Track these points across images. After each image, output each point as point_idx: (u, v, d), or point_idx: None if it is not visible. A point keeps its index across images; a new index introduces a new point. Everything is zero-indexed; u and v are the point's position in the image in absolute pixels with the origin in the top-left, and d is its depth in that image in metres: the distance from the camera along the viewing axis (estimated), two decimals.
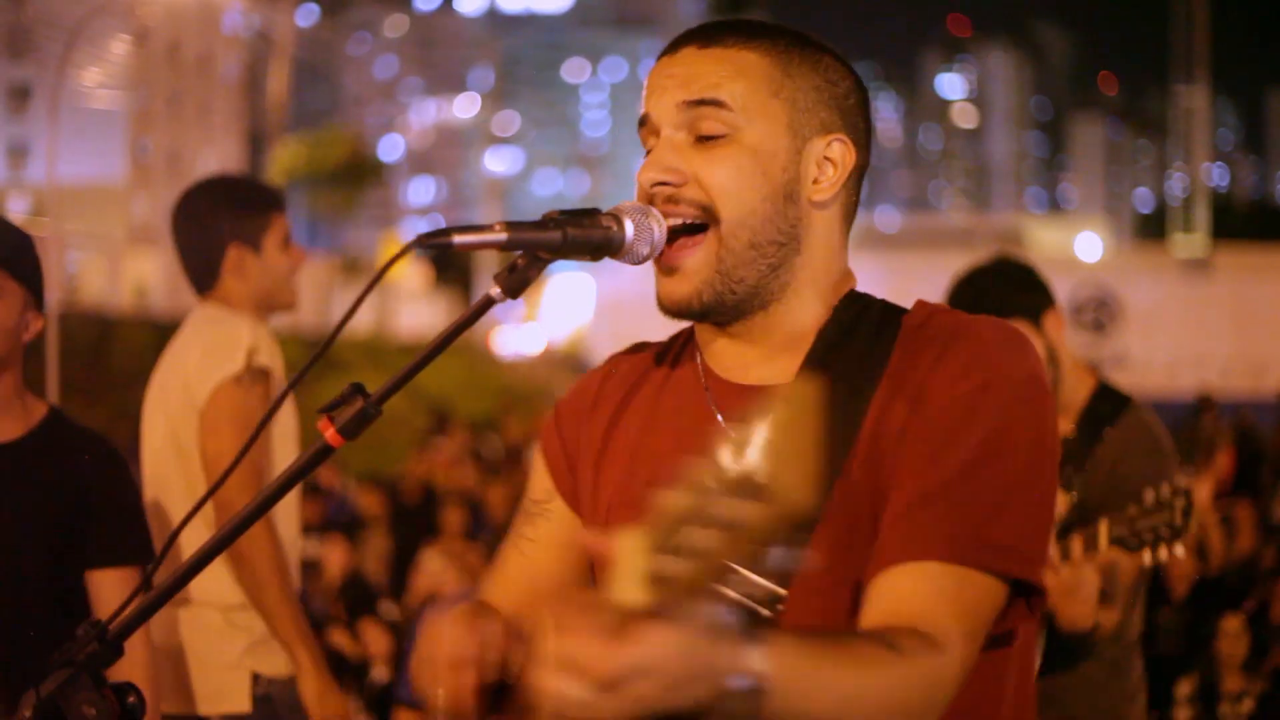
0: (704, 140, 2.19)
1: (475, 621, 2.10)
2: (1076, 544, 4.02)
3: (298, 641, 4.60)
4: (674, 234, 2.19)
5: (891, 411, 2.11)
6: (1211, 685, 8.18)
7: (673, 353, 2.38)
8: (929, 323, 2.18)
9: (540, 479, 2.43)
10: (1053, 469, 2.12)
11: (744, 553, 1.47)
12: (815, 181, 2.22)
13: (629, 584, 1.48)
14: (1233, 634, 8.18)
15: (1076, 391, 4.39)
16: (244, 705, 4.58)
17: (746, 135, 2.18)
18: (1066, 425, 4.37)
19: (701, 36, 2.23)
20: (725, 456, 1.41)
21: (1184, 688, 8.31)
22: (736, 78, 2.19)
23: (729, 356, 2.27)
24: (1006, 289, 4.35)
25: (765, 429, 1.39)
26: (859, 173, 2.27)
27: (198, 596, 4.53)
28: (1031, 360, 2.14)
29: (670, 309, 2.22)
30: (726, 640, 1.66)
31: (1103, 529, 3.96)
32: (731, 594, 1.51)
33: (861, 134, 2.26)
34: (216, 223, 4.68)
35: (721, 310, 2.20)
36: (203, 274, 4.74)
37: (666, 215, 2.18)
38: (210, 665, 4.57)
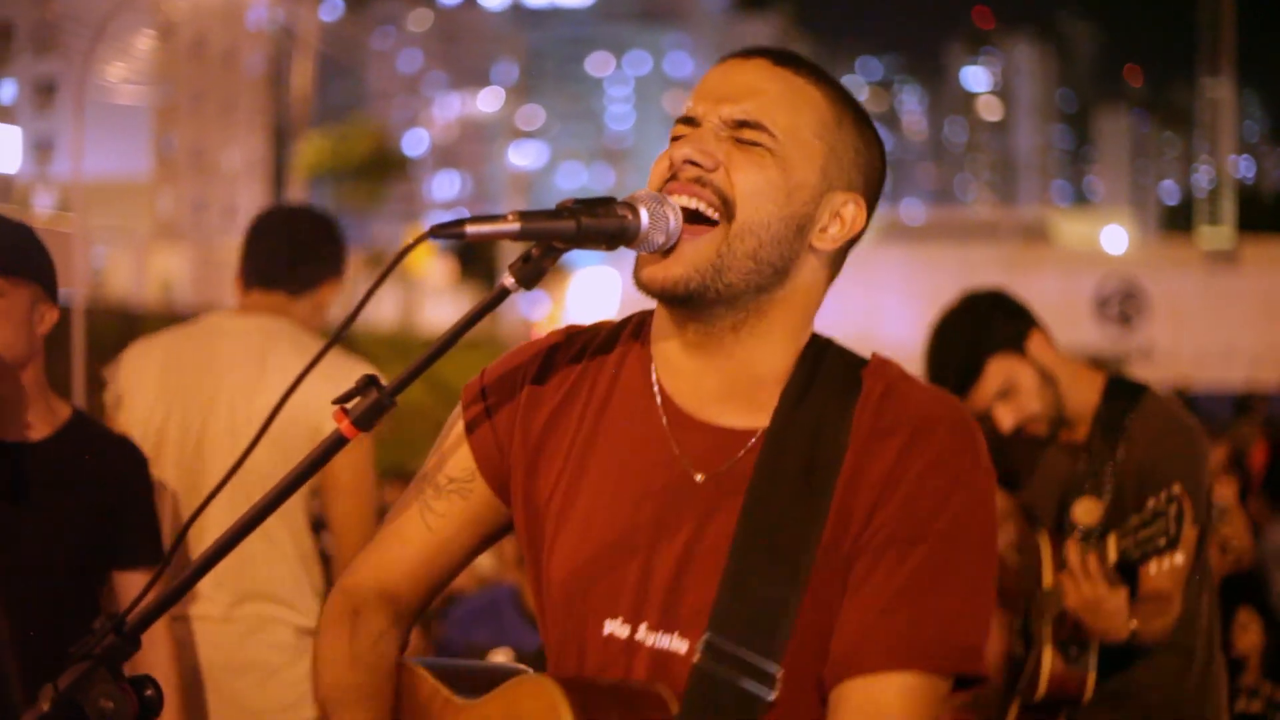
0: (743, 142, 2.20)
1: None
2: (1093, 559, 3.99)
3: None
4: (686, 216, 2.19)
5: (857, 491, 2.16)
6: (1230, 678, 8.16)
7: (619, 348, 2.35)
8: (891, 392, 2.21)
9: (462, 458, 2.38)
10: (995, 559, 2.22)
11: None
12: (823, 230, 2.24)
13: None
14: (1242, 624, 8.15)
15: (1086, 396, 4.35)
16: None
17: (783, 157, 2.20)
18: (1081, 431, 4.34)
19: (777, 55, 2.26)
20: None
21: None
22: (793, 107, 2.21)
23: (683, 376, 2.26)
24: (984, 327, 4.33)
25: None
26: (856, 241, 2.29)
27: (273, 614, 4.53)
28: (984, 453, 2.21)
29: (653, 288, 2.20)
30: None
31: (1111, 543, 3.95)
32: None
33: (873, 207, 2.30)
34: (335, 252, 4.83)
35: (700, 303, 2.19)
36: (297, 281, 4.77)
37: (685, 194, 2.18)
38: (281, 682, 4.57)
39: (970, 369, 4.27)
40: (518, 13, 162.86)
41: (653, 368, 2.30)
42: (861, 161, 2.27)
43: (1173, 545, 3.82)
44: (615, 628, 2.22)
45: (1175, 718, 4.33)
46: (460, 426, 2.40)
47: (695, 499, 2.21)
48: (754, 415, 2.24)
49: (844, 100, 2.27)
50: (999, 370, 4.28)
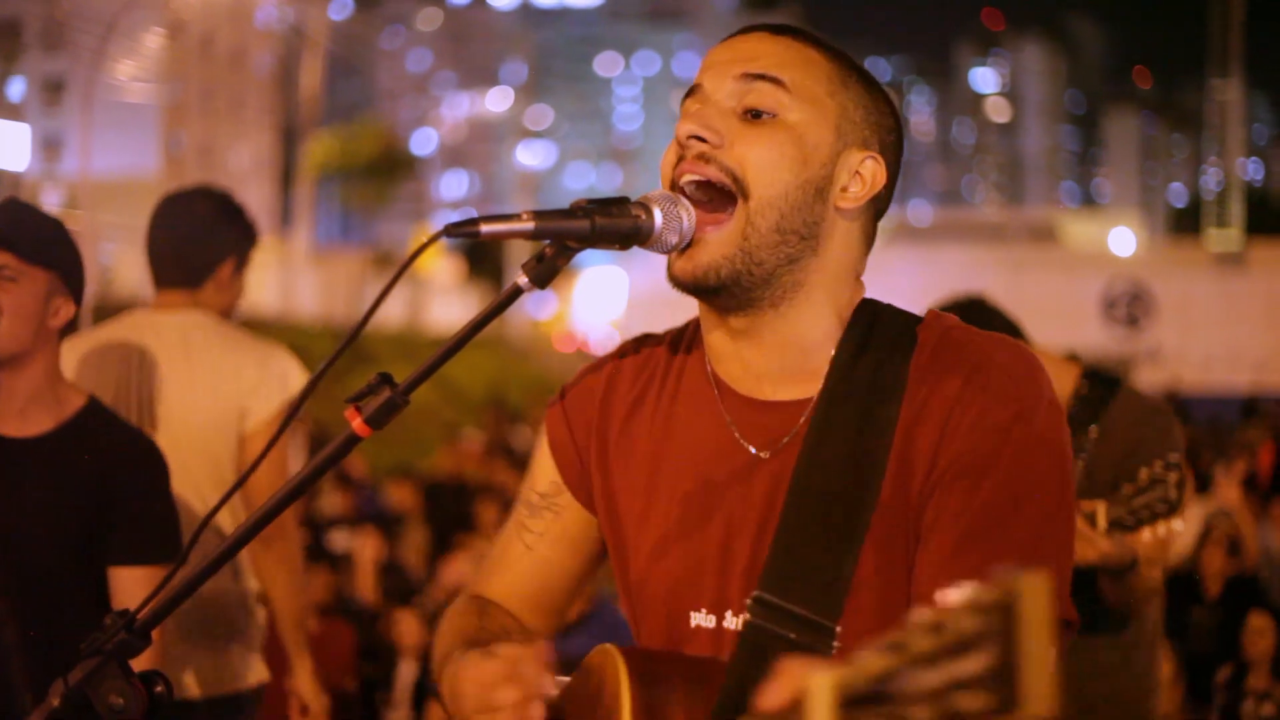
0: (751, 116, 2.18)
1: (520, 659, 2.07)
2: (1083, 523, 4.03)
3: (302, 635, 4.74)
4: (696, 193, 2.18)
5: (918, 436, 2.12)
6: (1240, 680, 8.16)
7: (681, 353, 2.36)
8: (945, 341, 2.18)
9: (546, 471, 2.42)
10: (1074, 491, 2.15)
11: None
12: (844, 189, 2.22)
13: None
14: (1258, 630, 8.15)
15: (1061, 388, 4.41)
16: (265, 674, 4.73)
17: (794, 118, 2.18)
18: None
19: (775, 27, 2.26)
20: (926, 624, 1.32)
21: (1222, 674, 8.31)
22: (801, 66, 2.21)
23: (737, 364, 2.26)
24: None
25: (990, 613, 1.29)
26: (881, 203, 2.28)
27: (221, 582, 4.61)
28: (1048, 384, 2.16)
29: (685, 281, 2.19)
30: None
31: (1101, 512, 3.97)
32: None
33: (893, 165, 2.27)
34: (221, 232, 4.89)
35: (736, 290, 2.18)
36: (190, 272, 4.87)
37: (694, 172, 2.17)
38: (237, 643, 4.69)
39: None
40: (527, 12, 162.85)
41: (708, 361, 2.30)
42: (873, 120, 2.25)
43: (1173, 510, 3.85)
44: (701, 619, 2.22)
45: (1118, 711, 4.37)
46: (543, 442, 2.44)
47: (762, 477, 2.20)
48: (808, 384, 2.23)
49: (847, 62, 2.26)
50: None
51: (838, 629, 2.09)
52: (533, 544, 2.43)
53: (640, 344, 2.42)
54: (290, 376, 4.80)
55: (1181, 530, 3.98)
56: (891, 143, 2.28)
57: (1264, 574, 10.70)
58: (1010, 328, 4.42)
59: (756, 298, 2.20)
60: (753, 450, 2.22)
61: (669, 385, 2.34)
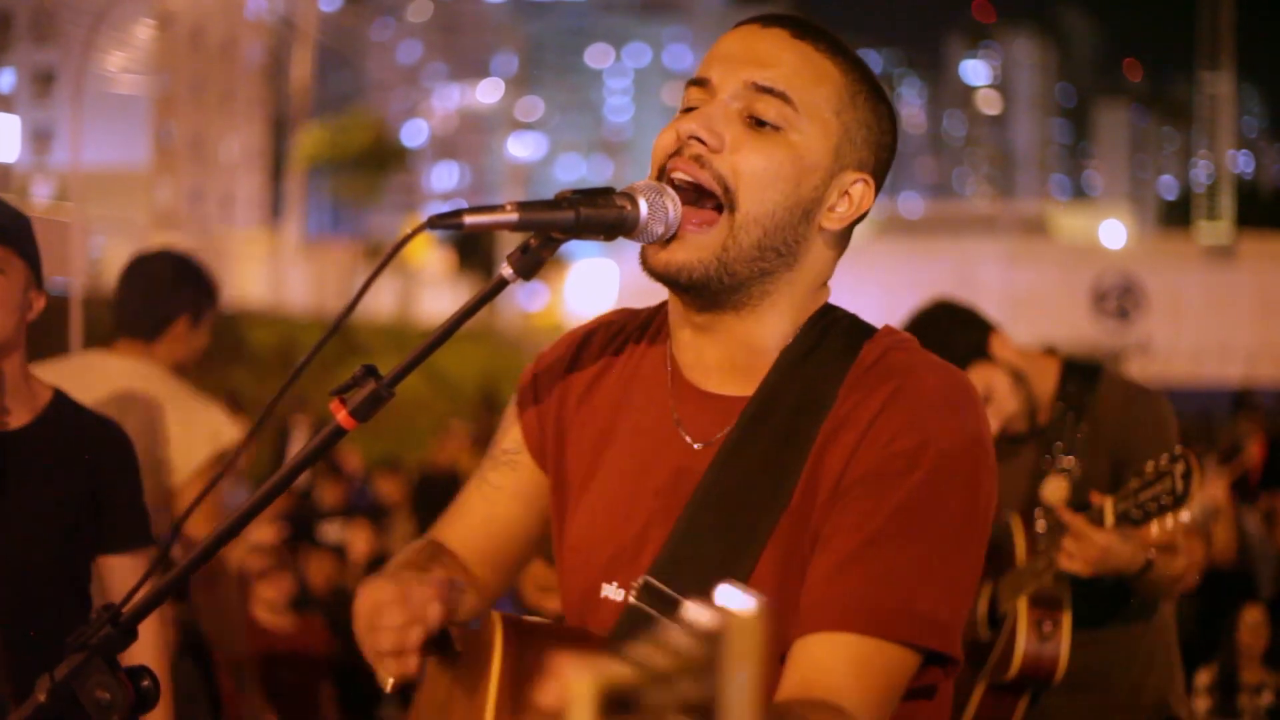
0: (755, 124, 2.17)
1: (412, 585, 2.12)
2: (1078, 518, 4.01)
3: (250, 669, 5.06)
4: (684, 192, 2.17)
5: (829, 456, 2.11)
6: (1231, 675, 8.14)
7: (649, 332, 2.38)
8: (881, 362, 2.17)
9: (512, 429, 2.46)
10: (982, 538, 2.11)
11: None
12: (832, 209, 2.22)
13: None
14: (1253, 624, 8.14)
15: (1044, 384, 4.41)
16: None
17: (797, 138, 2.17)
18: (1043, 415, 4.39)
19: (796, 26, 2.22)
20: (667, 641, 1.35)
21: (1203, 677, 8.28)
22: (814, 82, 2.19)
23: (691, 351, 2.27)
24: (948, 343, 4.34)
25: (721, 638, 1.33)
26: (863, 217, 2.28)
27: None
28: (974, 416, 2.13)
29: (658, 272, 2.19)
30: None
31: (1108, 507, 3.96)
32: None
33: (880, 185, 2.28)
34: (177, 291, 5.23)
35: (704, 292, 2.19)
36: (145, 326, 5.18)
37: (685, 171, 2.16)
38: None
39: None
40: (517, 4, 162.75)
41: (669, 345, 2.32)
42: (873, 139, 2.25)
43: (1180, 503, 3.82)
44: (611, 591, 2.24)
45: (1136, 703, 4.36)
46: (513, 405, 2.47)
47: (691, 466, 2.21)
48: (752, 383, 2.23)
49: (860, 75, 2.24)
50: (975, 381, 4.30)
51: None
52: (490, 496, 2.47)
53: (615, 318, 2.45)
54: (221, 433, 5.06)
55: (1188, 521, 3.95)
56: (885, 160, 2.28)
57: (1257, 566, 10.71)
58: (982, 327, 4.41)
59: (722, 301, 2.20)
60: (687, 440, 2.24)
61: (630, 363, 2.36)
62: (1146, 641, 4.37)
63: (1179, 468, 3.82)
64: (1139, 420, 4.30)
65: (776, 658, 2.05)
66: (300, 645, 8.00)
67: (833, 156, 2.20)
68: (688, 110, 2.22)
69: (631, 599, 2.17)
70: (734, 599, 1.23)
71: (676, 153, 2.18)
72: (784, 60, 2.18)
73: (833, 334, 2.23)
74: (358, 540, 11.65)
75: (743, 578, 2.09)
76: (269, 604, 7.99)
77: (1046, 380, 4.41)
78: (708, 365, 2.25)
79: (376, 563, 11.17)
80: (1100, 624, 4.27)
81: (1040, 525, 4.29)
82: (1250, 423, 15.14)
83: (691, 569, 2.13)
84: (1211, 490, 11.38)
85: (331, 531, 12.43)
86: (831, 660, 1.99)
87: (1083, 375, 4.41)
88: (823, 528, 2.08)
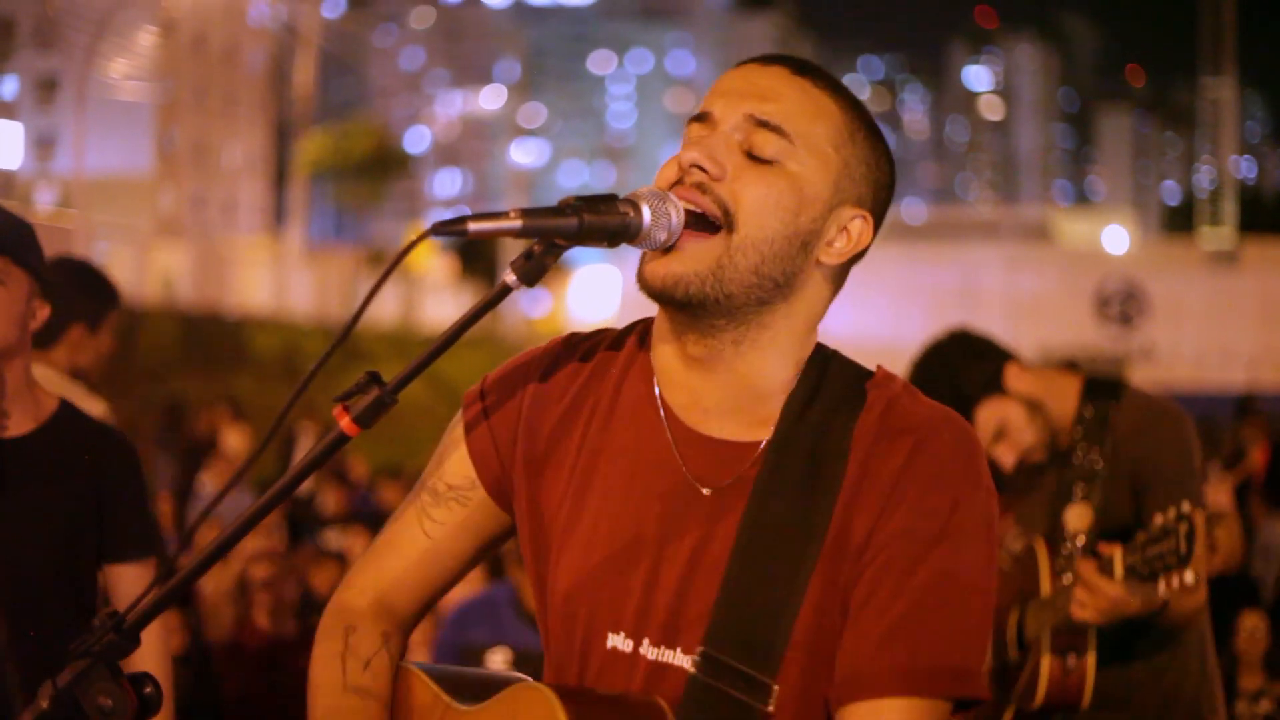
0: (754, 159, 2.18)
1: None
2: (1089, 568, 3.98)
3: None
4: (688, 218, 2.17)
5: (857, 508, 2.15)
6: (1229, 682, 8.13)
7: (622, 362, 2.33)
8: (891, 410, 2.21)
9: (460, 465, 2.38)
10: (996, 577, 2.22)
11: None
12: (830, 244, 2.23)
13: None
14: (1251, 630, 8.11)
15: (1065, 405, 4.35)
16: None
17: (796, 168, 2.18)
18: (1065, 437, 4.34)
19: (797, 65, 2.25)
20: None
21: None
22: (812, 117, 2.20)
23: (685, 391, 2.25)
24: (961, 378, 4.32)
25: None
26: (861, 255, 2.29)
27: None
28: (987, 471, 2.22)
29: (654, 286, 2.18)
30: None
31: (1117, 558, 3.93)
32: None
33: (879, 222, 2.29)
34: (69, 299, 5.06)
35: (700, 311, 2.18)
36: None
37: (687, 199, 2.17)
38: None
39: None
40: (520, 10, 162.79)
41: (655, 379, 2.29)
42: (872, 177, 2.26)
43: (1183, 563, 3.79)
44: (618, 641, 2.22)
45: (1178, 709, 4.33)
46: (459, 432, 2.39)
47: (700, 512, 2.21)
48: (757, 428, 2.23)
49: (858, 114, 2.26)
50: (989, 415, 4.29)
51: (775, 687, 2.13)
52: (432, 531, 2.39)
53: (574, 345, 2.39)
54: None
55: (1193, 582, 3.86)
56: (883, 199, 2.29)
57: (1260, 573, 10.68)
58: (995, 358, 4.38)
59: (719, 328, 2.20)
60: (695, 484, 2.23)
61: (605, 395, 2.31)
62: (1178, 657, 4.32)
63: (1183, 528, 3.78)
64: (1162, 441, 4.25)
65: (822, 711, 2.16)
66: (305, 651, 8.03)
67: (832, 190, 2.21)
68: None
69: (692, 672, 2.16)
70: None
71: (679, 182, 2.19)
72: (783, 95, 2.21)
73: (830, 376, 2.25)
74: (356, 547, 11.65)
75: (785, 637, 2.14)
76: (272, 610, 8.01)
77: (1067, 400, 4.36)
78: (706, 407, 2.24)
79: None
80: (1129, 641, 4.24)
81: (1065, 551, 4.26)
82: (1254, 428, 15.11)
83: (742, 632, 2.15)
84: (1215, 496, 11.36)
85: (333, 538, 12.43)
86: None
87: (1105, 393, 4.35)
88: (855, 588, 2.14)
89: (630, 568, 2.22)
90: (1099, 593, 3.93)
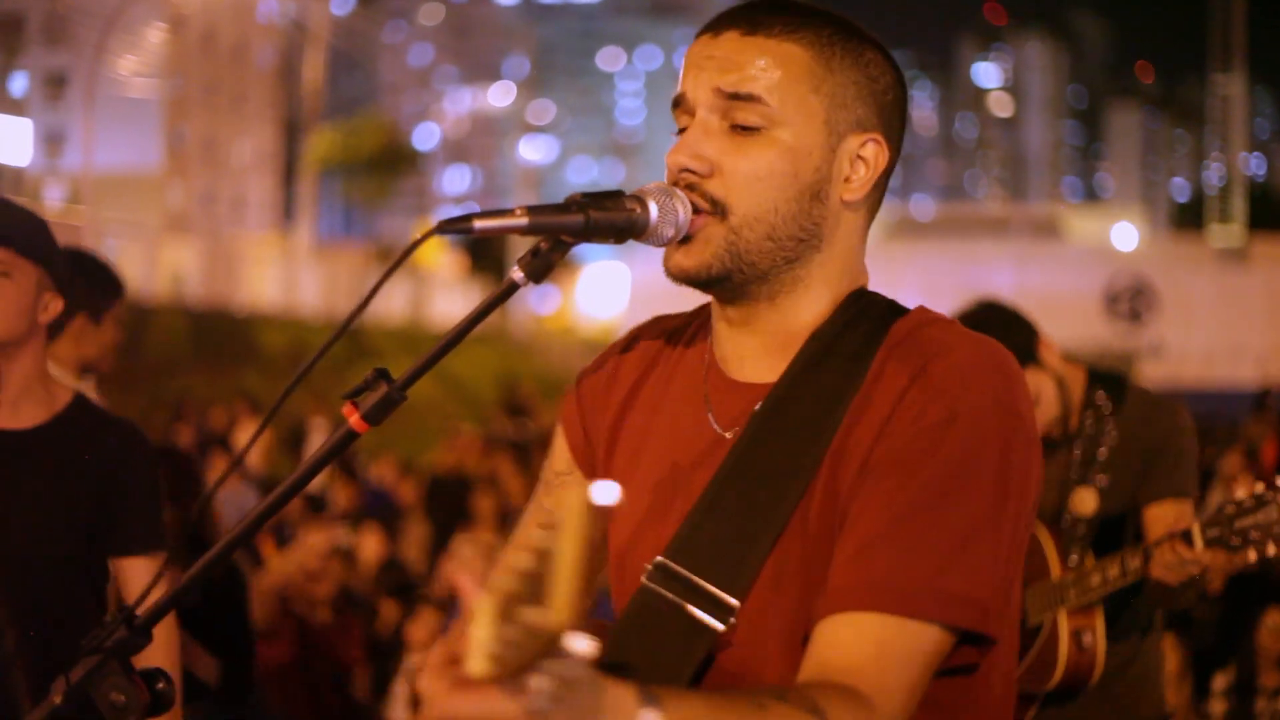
0: (739, 129, 2.16)
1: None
2: (1174, 543, 3.99)
3: None
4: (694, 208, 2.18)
5: (856, 433, 2.08)
6: (1249, 679, 8.11)
7: (689, 331, 2.37)
8: (913, 336, 2.14)
9: (561, 451, 2.43)
10: (1019, 511, 2.05)
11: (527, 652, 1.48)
12: (847, 180, 2.19)
13: (475, 654, 1.46)
14: (1273, 628, 8.10)
15: (1074, 393, 4.41)
16: None
17: (782, 131, 2.15)
18: (1071, 423, 4.39)
19: (746, 22, 2.18)
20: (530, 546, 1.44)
21: (1220, 681, 8.25)
22: (779, 69, 2.15)
23: (729, 345, 2.26)
24: (995, 333, 4.35)
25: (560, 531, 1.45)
26: (889, 171, 2.23)
27: None
28: (1007, 388, 2.08)
29: (678, 277, 2.19)
30: (619, 697, 1.64)
31: (1195, 530, 3.93)
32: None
33: (896, 131, 2.23)
34: (77, 289, 5.06)
35: (729, 285, 2.18)
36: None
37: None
38: None
39: None
40: (529, 7, 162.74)
41: (710, 343, 2.30)
42: (865, 93, 2.19)
43: None
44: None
45: (1153, 710, 4.42)
46: (559, 423, 2.45)
47: (719, 453, 2.20)
48: (784, 368, 2.21)
49: (831, 36, 2.18)
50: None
51: (736, 605, 2.07)
52: (544, 521, 2.41)
53: (653, 326, 2.43)
54: None
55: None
56: (890, 103, 2.22)
57: (1270, 569, 10.67)
58: (1030, 330, 4.40)
59: (753, 291, 2.19)
60: (718, 429, 2.22)
61: (668, 365, 2.34)
62: (1145, 652, 4.39)
63: None
64: (1166, 430, 4.31)
65: (801, 640, 2.02)
66: (339, 641, 8.24)
67: (825, 133, 2.16)
68: (681, 131, 2.22)
69: (642, 580, 2.15)
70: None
71: (674, 185, 2.18)
72: (743, 61, 2.15)
73: (865, 315, 2.20)
74: (366, 544, 11.66)
75: (761, 557, 2.07)
76: (314, 601, 8.21)
77: (1074, 388, 4.42)
78: (743, 355, 2.24)
79: (387, 566, 11.19)
80: (1110, 628, 4.28)
81: (1070, 535, 4.29)
82: (1264, 424, 15.08)
83: (707, 549, 2.11)
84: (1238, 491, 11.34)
85: (342, 534, 12.44)
86: (851, 641, 1.94)
87: (1110, 385, 4.41)
88: (850, 506, 2.04)
89: (663, 515, 2.22)
90: (1192, 561, 3.93)
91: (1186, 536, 3.94)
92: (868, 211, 2.25)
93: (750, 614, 2.07)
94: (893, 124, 2.22)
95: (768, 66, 2.15)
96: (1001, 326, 4.39)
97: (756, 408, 2.18)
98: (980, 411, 2.03)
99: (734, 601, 2.07)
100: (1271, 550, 3.84)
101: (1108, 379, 4.44)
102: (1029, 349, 4.32)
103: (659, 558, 2.14)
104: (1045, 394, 4.32)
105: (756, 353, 2.23)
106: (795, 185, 2.16)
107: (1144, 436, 4.30)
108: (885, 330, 2.16)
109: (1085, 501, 4.29)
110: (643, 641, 2.12)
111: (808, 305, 2.21)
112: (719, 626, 2.07)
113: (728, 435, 2.20)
